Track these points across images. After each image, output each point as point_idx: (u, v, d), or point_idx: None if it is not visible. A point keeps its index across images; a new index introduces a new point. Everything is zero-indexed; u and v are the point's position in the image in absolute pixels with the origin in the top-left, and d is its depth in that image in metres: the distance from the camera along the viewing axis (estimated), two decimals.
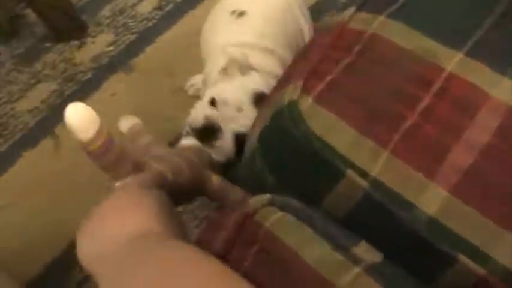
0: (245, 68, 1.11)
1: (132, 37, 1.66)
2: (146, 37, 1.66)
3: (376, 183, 0.60)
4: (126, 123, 0.92)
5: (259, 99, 1.06)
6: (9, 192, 1.41)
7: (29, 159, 1.45)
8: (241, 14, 1.23)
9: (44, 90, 1.57)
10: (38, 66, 1.62)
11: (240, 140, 1.05)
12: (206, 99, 1.10)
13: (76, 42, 1.65)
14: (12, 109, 1.54)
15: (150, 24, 1.69)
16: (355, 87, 0.63)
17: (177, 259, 0.50)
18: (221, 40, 1.23)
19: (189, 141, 0.97)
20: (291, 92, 0.65)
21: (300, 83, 0.65)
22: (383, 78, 0.63)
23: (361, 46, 0.67)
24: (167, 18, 1.70)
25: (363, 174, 0.60)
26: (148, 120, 1.35)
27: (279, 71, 1.15)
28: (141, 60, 1.61)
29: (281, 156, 0.66)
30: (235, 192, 0.94)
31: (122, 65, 1.60)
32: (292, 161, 0.65)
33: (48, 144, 1.47)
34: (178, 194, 0.71)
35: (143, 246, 0.53)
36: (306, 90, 0.65)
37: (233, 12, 1.24)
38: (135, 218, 0.57)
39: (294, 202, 0.60)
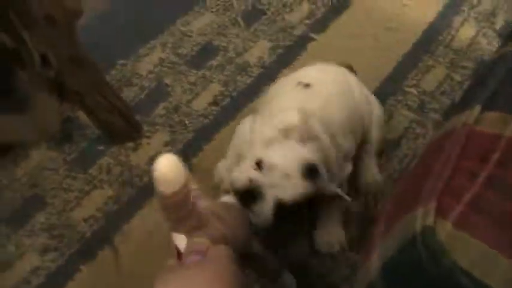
0: (306, 137, 1.07)
1: (189, 135, 1.58)
2: (203, 135, 1.58)
3: None
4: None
5: (309, 171, 1.03)
6: None
7: (88, 273, 1.35)
8: (307, 85, 1.23)
9: (99, 197, 1.49)
10: (92, 171, 1.54)
11: (280, 206, 1.02)
12: (252, 160, 1.05)
13: (131, 144, 1.57)
14: (67, 219, 1.45)
15: (206, 120, 1.61)
16: (504, 207, 0.52)
17: None
18: (285, 103, 1.22)
19: (229, 199, 1.02)
20: (423, 216, 0.54)
21: (433, 204, 0.54)
22: None
23: (500, 154, 0.56)
24: (224, 114, 1.62)
25: None
26: None
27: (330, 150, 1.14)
28: (199, 159, 1.53)
29: None
30: (273, 262, 0.91)
31: None
32: None
33: (107, 256, 1.37)
34: None
35: None
36: (441, 213, 0.53)
37: (299, 83, 1.24)
38: None
39: None
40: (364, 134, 1.35)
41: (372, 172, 1.40)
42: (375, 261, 0.59)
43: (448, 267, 0.50)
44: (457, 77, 1.66)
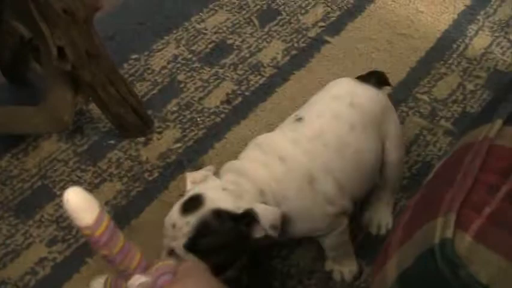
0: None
1: (200, 133, 1.58)
2: (215, 133, 1.58)
3: None
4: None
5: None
6: None
7: (94, 266, 1.35)
8: (300, 119, 1.18)
9: (108, 191, 1.49)
10: (102, 164, 1.54)
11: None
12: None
13: (142, 139, 1.57)
14: None
15: (218, 119, 1.61)
16: None
17: None
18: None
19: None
20: (442, 228, 0.54)
21: (453, 216, 0.54)
22: None
23: None
24: (236, 113, 1.62)
25: None
26: None
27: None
28: (210, 157, 1.53)
29: None
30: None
31: (190, 163, 1.52)
32: None
33: None
34: None
35: None
36: (461, 225, 0.54)
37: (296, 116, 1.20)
38: None
39: None
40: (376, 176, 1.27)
41: (381, 220, 1.35)
42: (391, 271, 0.59)
43: (466, 281, 0.50)
44: (470, 86, 1.66)
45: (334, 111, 1.17)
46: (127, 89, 1.51)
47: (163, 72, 1.75)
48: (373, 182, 1.28)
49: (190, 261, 0.78)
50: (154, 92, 1.70)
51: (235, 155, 1.45)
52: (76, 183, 1.51)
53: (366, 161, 1.20)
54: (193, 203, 1.03)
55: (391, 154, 1.27)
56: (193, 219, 1.01)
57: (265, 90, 1.68)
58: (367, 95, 1.23)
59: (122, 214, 1.44)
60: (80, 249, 1.39)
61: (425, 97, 1.65)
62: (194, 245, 1.00)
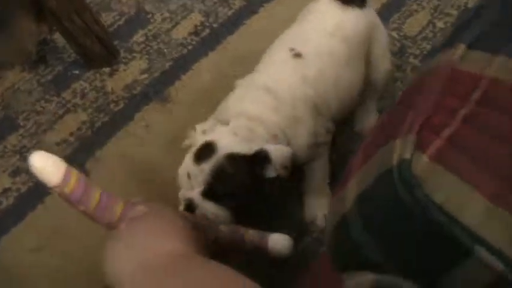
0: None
1: (167, 64, 1.56)
2: (182, 64, 1.56)
3: None
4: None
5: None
6: (38, 234, 1.30)
7: (58, 197, 1.34)
8: (299, 55, 1.16)
9: (73, 122, 1.47)
10: (66, 95, 1.52)
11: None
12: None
13: (107, 70, 1.54)
14: (39, 142, 1.44)
15: (185, 50, 1.59)
16: (482, 145, 0.52)
17: (211, 276, 0.63)
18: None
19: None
20: (401, 149, 0.54)
21: (412, 137, 0.54)
22: None
23: (481, 93, 0.55)
24: (203, 44, 1.60)
25: (497, 253, 0.49)
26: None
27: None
28: (176, 88, 1.51)
29: (388, 226, 0.55)
30: (249, 233, 0.90)
31: (156, 94, 1.50)
32: (402, 232, 0.53)
33: None
34: None
35: (182, 264, 0.66)
36: (419, 146, 0.53)
37: (291, 49, 1.16)
38: (173, 240, 0.71)
39: (405, 284, 0.49)
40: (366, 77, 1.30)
41: (369, 118, 1.41)
42: (350, 193, 0.59)
43: (421, 201, 0.50)
44: (440, 24, 1.65)
45: (329, 49, 1.18)
46: (92, 18, 1.48)
47: (130, 2, 1.71)
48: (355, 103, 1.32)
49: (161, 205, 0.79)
50: (121, 22, 1.67)
51: (202, 87, 1.45)
52: (40, 113, 1.49)
53: (355, 87, 1.25)
54: (206, 150, 1.02)
55: (380, 65, 1.33)
56: (207, 166, 1.00)
57: (234, 22, 1.65)
58: (353, 21, 1.22)
59: (86, 145, 1.43)
60: None
61: (394, 34, 1.64)
62: (211, 191, 1.00)
